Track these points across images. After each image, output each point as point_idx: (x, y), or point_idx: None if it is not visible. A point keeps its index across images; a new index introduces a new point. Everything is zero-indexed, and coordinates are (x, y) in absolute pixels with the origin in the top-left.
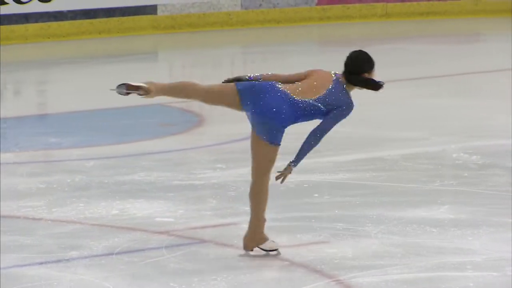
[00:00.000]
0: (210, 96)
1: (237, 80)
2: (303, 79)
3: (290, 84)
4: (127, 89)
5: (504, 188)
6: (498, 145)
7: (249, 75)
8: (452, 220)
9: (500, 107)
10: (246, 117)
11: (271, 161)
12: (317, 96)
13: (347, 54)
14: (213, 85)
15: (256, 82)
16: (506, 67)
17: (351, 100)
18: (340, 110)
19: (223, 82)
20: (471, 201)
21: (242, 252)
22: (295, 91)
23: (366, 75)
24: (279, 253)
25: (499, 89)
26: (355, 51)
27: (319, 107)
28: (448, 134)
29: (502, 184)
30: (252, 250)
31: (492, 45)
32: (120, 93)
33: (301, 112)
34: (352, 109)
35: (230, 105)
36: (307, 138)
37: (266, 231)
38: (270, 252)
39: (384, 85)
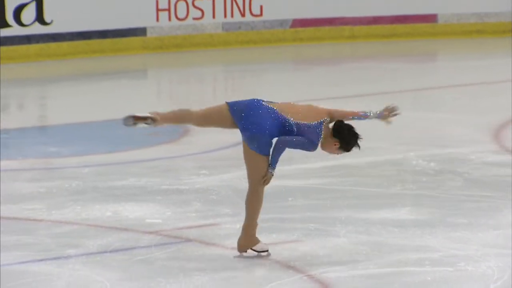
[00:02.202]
0: (207, 120)
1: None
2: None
3: (280, 103)
4: (134, 120)
5: (458, 192)
6: (452, 153)
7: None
8: (412, 221)
9: (454, 119)
10: (226, 129)
11: (263, 168)
12: (299, 121)
13: (351, 128)
14: (207, 109)
15: (245, 101)
16: (459, 83)
17: (318, 143)
18: (307, 142)
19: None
20: (429, 204)
21: (223, 250)
22: (281, 109)
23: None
24: (269, 254)
25: (453, 104)
26: (353, 130)
27: (293, 129)
28: (408, 144)
29: (456, 188)
30: (246, 252)
31: (448, 64)
32: (127, 125)
33: (281, 128)
34: (313, 149)
35: (224, 125)
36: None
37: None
38: (262, 253)
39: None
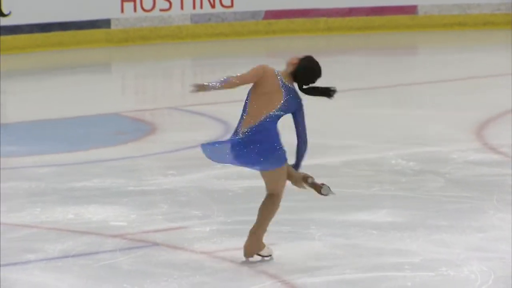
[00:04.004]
0: None
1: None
2: (260, 78)
3: (245, 119)
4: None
5: (438, 193)
6: (432, 152)
7: (213, 82)
8: (391, 223)
9: (435, 116)
10: (194, 127)
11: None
12: (277, 107)
13: (303, 63)
14: None
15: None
16: (440, 78)
17: (301, 99)
18: (302, 112)
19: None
20: (408, 205)
21: (192, 254)
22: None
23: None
24: (272, 259)
25: (434, 100)
26: (308, 61)
27: (279, 114)
28: (386, 142)
29: (437, 189)
30: (252, 257)
31: (428, 57)
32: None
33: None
34: (303, 105)
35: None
36: (300, 144)
37: (216, 233)
38: (265, 258)
39: (336, 91)
